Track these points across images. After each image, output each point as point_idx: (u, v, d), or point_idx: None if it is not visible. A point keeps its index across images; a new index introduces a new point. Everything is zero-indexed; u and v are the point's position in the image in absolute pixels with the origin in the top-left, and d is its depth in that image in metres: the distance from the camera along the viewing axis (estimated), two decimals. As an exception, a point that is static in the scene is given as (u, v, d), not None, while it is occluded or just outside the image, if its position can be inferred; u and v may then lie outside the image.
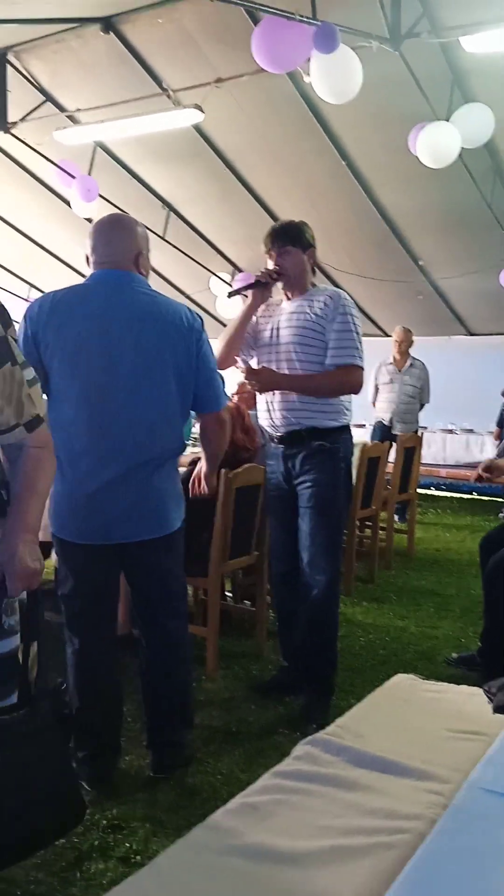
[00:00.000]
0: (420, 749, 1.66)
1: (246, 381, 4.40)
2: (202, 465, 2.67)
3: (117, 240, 2.28)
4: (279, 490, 2.91)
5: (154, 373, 2.21)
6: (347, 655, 3.43)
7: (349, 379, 2.78)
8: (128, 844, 2.02)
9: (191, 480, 2.68)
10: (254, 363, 2.92)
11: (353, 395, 2.89)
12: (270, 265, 2.85)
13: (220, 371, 2.47)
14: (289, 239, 2.83)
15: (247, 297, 2.92)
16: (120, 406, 2.19)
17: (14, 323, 1.51)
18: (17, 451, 1.49)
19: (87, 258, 2.33)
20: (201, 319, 2.35)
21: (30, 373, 1.48)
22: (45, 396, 2.32)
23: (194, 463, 2.78)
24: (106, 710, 2.33)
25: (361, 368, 2.80)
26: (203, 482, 2.67)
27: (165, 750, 2.39)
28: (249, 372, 2.84)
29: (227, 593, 3.89)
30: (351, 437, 2.93)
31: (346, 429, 2.87)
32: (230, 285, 8.22)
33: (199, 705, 2.85)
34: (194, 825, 1.61)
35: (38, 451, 1.49)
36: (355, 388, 2.82)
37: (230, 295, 2.56)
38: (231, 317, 3.03)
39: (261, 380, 2.82)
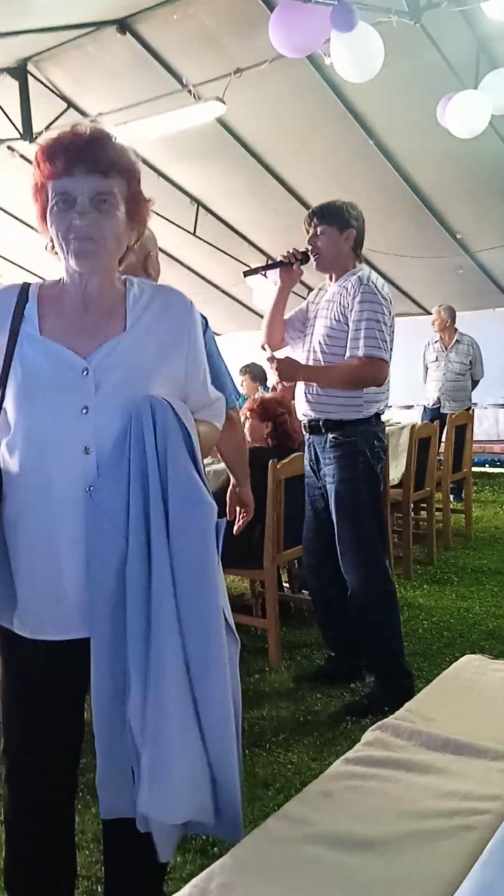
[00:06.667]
0: (493, 729, 1.62)
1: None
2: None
3: None
4: (309, 478, 2.88)
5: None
6: (412, 639, 3.38)
7: (366, 372, 2.60)
8: (204, 837, 2.03)
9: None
10: (298, 353, 2.84)
11: (392, 381, 2.73)
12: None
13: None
14: (323, 218, 2.73)
15: (265, 276, 2.84)
16: None
17: None
18: None
19: None
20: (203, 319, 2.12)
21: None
22: None
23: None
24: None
25: (382, 360, 2.60)
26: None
27: None
28: (271, 361, 2.74)
29: (284, 584, 3.88)
30: (375, 427, 2.73)
31: (366, 421, 2.69)
32: (265, 276, 8.16)
33: (266, 696, 2.86)
34: (269, 816, 1.60)
35: None
36: (375, 381, 2.63)
37: (245, 274, 2.50)
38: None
39: (280, 370, 2.72)
